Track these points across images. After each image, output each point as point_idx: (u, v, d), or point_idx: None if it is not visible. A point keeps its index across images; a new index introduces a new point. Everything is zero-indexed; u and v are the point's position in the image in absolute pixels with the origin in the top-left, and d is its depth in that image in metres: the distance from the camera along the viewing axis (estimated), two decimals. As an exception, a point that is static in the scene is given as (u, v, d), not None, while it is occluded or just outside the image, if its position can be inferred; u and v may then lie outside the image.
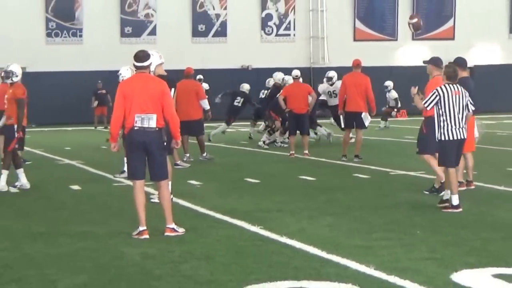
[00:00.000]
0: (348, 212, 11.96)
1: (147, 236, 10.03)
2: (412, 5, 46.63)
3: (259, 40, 44.67)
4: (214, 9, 43.89)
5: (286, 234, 10.05)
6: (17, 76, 15.33)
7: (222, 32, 44.00)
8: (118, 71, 16.09)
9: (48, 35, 41.83)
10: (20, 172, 15.43)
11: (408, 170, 17.06)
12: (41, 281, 7.97)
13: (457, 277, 7.80)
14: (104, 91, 35.86)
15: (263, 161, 20.09)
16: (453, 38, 46.56)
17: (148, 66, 10.40)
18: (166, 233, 10.17)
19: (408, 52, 46.30)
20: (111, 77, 21.71)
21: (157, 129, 10.14)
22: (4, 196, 14.61)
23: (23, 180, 15.43)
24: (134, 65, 10.47)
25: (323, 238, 9.91)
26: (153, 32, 42.93)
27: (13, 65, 15.39)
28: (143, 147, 10.15)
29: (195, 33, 43.66)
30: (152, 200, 12.59)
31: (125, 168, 15.43)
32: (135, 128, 10.11)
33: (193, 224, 10.81)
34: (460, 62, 13.91)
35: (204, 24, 43.76)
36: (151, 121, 10.10)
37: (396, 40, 46.48)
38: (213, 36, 43.84)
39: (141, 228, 10.13)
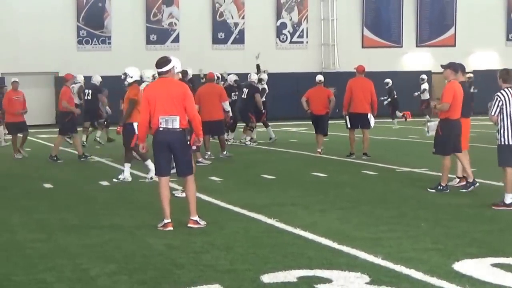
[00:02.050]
0: (357, 206, 11.93)
1: (171, 228, 10.06)
2: (416, 15, 46.50)
3: (274, 47, 44.61)
4: (232, 18, 43.89)
5: (299, 226, 10.04)
6: (131, 77, 15.35)
7: (240, 39, 43.98)
8: (97, 75, 15.81)
9: (79, 42, 41.91)
10: (127, 166, 15.66)
11: (413, 168, 17.01)
12: (73, 270, 7.99)
13: (459, 266, 7.78)
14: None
15: (278, 159, 20.07)
16: (454, 45, 46.39)
17: (168, 71, 10.34)
18: (189, 225, 10.21)
19: (412, 58, 46.19)
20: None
21: (180, 129, 10.16)
22: (39, 191, 14.66)
23: (126, 174, 15.67)
24: (157, 71, 10.49)
25: (334, 230, 9.89)
26: (176, 40, 42.95)
27: (128, 68, 15.29)
28: (168, 146, 10.17)
29: (215, 40, 43.66)
30: (176, 195, 12.60)
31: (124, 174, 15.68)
32: (160, 129, 10.15)
33: (213, 217, 10.82)
34: (455, 66, 13.90)
35: (224, 32, 43.76)
36: (175, 122, 10.12)
37: (401, 47, 46.35)
38: (232, 43, 43.82)
39: (166, 221, 10.17)
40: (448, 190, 13.23)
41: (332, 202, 12.42)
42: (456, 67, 13.79)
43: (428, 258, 8.17)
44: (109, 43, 42.17)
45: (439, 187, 13.41)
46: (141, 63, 37.21)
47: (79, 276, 7.71)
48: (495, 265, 7.81)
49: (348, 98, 19.86)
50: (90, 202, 13.01)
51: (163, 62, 10.35)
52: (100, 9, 42.01)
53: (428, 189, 13.47)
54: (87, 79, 27.36)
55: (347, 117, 19.92)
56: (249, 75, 25.81)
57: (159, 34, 42.81)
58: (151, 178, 15.38)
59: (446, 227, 10.00)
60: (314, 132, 21.44)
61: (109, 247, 9.11)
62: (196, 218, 10.29)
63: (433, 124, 14.60)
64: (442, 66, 13.94)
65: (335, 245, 8.93)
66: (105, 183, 15.44)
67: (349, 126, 19.93)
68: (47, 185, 15.26)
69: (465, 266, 7.76)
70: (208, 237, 9.53)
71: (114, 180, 15.60)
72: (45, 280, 7.56)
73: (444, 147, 13.32)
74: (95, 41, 42.04)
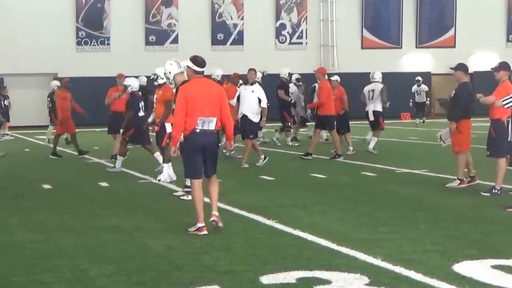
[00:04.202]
0: (357, 207, 11.93)
1: (206, 232, 9.77)
2: (415, 15, 46.56)
3: (274, 48, 44.67)
4: (232, 19, 43.92)
5: (298, 228, 10.04)
6: (162, 78, 15.28)
7: (239, 40, 44.02)
8: (143, 76, 15.67)
9: (78, 43, 41.95)
10: (166, 166, 15.66)
11: (413, 169, 17.02)
12: (72, 270, 7.98)
13: (459, 267, 7.78)
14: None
15: (277, 160, 20.06)
16: (454, 46, 46.47)
17: (203, 72, 10.17)
18: (213, 218, 9.96)
19: (412, 59, 46.24)
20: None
21: (215, 131, 10.01)
22: (38, 191, 14.66)
23: (166, 174, 15.69)
24: (192, 69, 10.11)
25: (333, 231, 9.89)
26: (175, 41, 42.98)
27: (158, 68, 15.13)
28: (202, 148, 9.95)
29: (214, 41, 43.69)
30: (174, 194, 12.60)
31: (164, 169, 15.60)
32: (197, 130, 9.88)
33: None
34: (464, 67, 14.01)
35: (223, 33, 43.79)
36: (211, 124, 9.91)
37: (401, 48, 46.40)
38: (231, 44, 43.86)
39: (200, 225, 9.86)
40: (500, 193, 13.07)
41: (331, 203, 12.42)
42: (466, 68, 13.88)
43: (428, 259, 8.16)
44: (108, 44, 42.20)
45: (493, 191, 13.05)
46: (140, 64, 37.52)
47: (78, 277, 7.70)
48: (495, 266, 7.80)
49: (325, 99, 19.93)
50: (89, 203, 13.01)
51: (203, 61, 10.12)
52: (99, 10, 42.05)
53: (482, 193, 13.13)
54: (83, 79, 27.37)
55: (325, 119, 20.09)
56: (280, 70, 25.98)
57: (158, 35, 42.85)
58: (159, 180, 15.43)
59: (446, 229, 10.00)
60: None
61: (108, 248, 9.11)
62: (217, 213, 10.09)
63: (445, 133, 14.61)
64: (451, 68, 14.00)
65: (334, 246, 8.93)
66: (104, 184, 15.44)
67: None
68: (46, 186, 15.26)
69: (465, 268, 7.75)
70: (207, 238, 9.52)
71: (154, 181, 15.65)
72: (44, 281, 7.55)
73: (500, 148, 13.00)
74: (94, 42, 42.08)
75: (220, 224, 10.00)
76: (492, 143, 13.18)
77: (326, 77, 20.63)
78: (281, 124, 25.39)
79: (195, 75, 10.12)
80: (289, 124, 24.85)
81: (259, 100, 18.58)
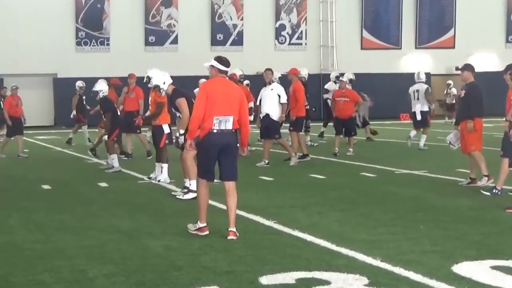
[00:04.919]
0: (356, 208, 11.93)
1: (207, 232, 9.71)
2: (415, 16, 46.55)
3: (273, 48, 44.65)
4: (231, 19, 43.90)
5: (298, 228, 10.04)
6: (155, 80, 15.24)
7: (239, 41, 44.00)
8: (143, 77, 15.42)
9: (78, 43, 41.92)
10: (158, 166, 15.67)
11: (412, 170, 17.02)
12: (71, 271, 7.97)
13: (458, 268, 7.77)
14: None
15: (276, 160, 20.05)
16: (453, 47, 46.46)
17: (227, 71, 10.05)
18: (230, 237, 9.52)
19: (411, 60, 46.22)
20: (137, 82, 21.75)
21: (233, 130, 9.76)
22: (38, 192, 14.66)
23: (157, 172, 15.70)
24: (216, 68, 9.91)
25: (333, 232, 9.88)
26: (174, 41, 42.96)
27: (150, 70, 15.11)
28: (219, 149, 9.69)
29: (214, 42, 43.66)
30: (173, 193, 12.59)
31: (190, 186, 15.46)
32: (214, 130, 9.63)
33: (212, 219, 10.77)
34: (471, 68, 14.06)
35: (222, 34, 43.77)
36: (228, 123, 9.65)
37: (400, 48, 46.39)
38: (230, 44, 43.82)
39: (201, 225, 9.79)
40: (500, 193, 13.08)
41: (330, 204, 12.41)
42: (473, 68, 13.93)
43: (427, 260, 8.16)
44: (108, 44, 42.18)
45: (494, 191, 13.06)
46: (139, 64, 37.52)
47: (77, 277, 7.69)
48: (495, 267, 7.80)
49: (296, 101, 19.83)
50: (88, 203, 13.00)
51: (228, 61, 9.99)
52: (99, 10, 42.03)
53: (482, 191, 13.20)
54: (83, 80, 27.44)
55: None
56: (300, 71, 25.95)
57: (157, 35, 42.83)
58: (159, 181, 15.43)
59: (445, 229, 9.99)
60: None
61: (107, 248, 9.10)
62: (234, 229, 9.65)
63: (453, 136, 14.62)
64: (457, 68, 14.04)
65: (333, 247, 8.92)
66: (103, 184, 15.44)
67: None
68: (45, 187, 15.25)
69: (464, 268, 7.75)
70: (206, 239, 9.52)
71: (154, 181, 15.64)
72: (44, 281, 7.55)
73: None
74: (93, 43, 42.05)
75: (237, 235, 9.68)
76: (508, 144, 13.00)
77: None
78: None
79: (219, 74, 9.96)
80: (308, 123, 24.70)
81: (279, 97, 18.73)
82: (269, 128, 18.82)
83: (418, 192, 13.62)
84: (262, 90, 19.30)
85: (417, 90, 22.66)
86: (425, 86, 22.80)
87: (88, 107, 26.51)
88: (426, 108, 22.52)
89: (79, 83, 26.87)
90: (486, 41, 46.15)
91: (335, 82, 26.22)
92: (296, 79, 20.07)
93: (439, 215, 11.12)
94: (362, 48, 45.97)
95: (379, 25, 46.16)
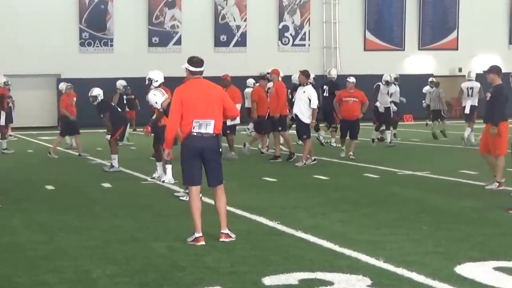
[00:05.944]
0: (359, 209, 11.92)
1: (203, 243, 9.25)
2: (418, 18, 46.56)
3: (276, 49, 44.67)
4: (235, 20, 43.93)
5: (301, 229, 10.03)
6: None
7: (242, 42, 44.04)
8: (145, 78, 15.48)
9: (82, 44, 41.98)
10: (160, 166, 15.71)
11: (415, 171, 17.00)
12: (75, 271, 7.98)
13: (461, 269, 7.76)
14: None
15: (280, 162, 20.04)
16: (456, 49, 46.47)
17: (203, 72, 9.73)
18: (222, 239, 9.41)
19: (415, 61, 46.23)
20: (140, 83, 21.75)
21: (214, 135, 9.38)
22: (41, 192, 14.66)
23: (159, 172, 15.76)
24: (189, 70, 9.64)
25: (336, 233, 9.88)
26: (178, 42, 43.00)
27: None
28: (200, 153, 9.35)
29: (217, 43, 43.71)
30: (181, 198, 12.60)
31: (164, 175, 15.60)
32: (193, 134, 9.32)
33: (215, 220, 10.78)
34: (497, 70, 13.96)
35: (226, 35, 43.81)
36: (209, 127, 9.31)
37: (403, 50, 46.39)
38: (234, 45, 43.88)
39: (197, 235, 9.35)
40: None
41: (333, 204, 12.41)
42: (499, 70, 13.89)
43: (430, 261, 8.15)
44: (111, 45, 42.23)
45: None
46: (143, 65, 37.54)
47: (81, 278, 7.70)
48: (497, 268, 7.79)
49: (280, 101, 20.30)
50: (92, 204, 13.01)
51: (201, 61, 9.67)
52: (103, 11, 42.08)
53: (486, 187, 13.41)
54: (87, 81, 27.46)
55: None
56: (328, 70, 26.19)
57: (161, 36, 42.87)
58: (163, 181, 15.44)
59: (448, 230, 9.98)
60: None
61: (111, 249, 9.10)
62: (227, 231, 9.53)
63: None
64: (484, 71, 14.10)
65: (336, 247, 8.92)
66: (107, 185, 15.45)
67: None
68: (49, 187, 15.27)
69: (467, 270, 7.74)
70: (209, 240, 9.51)
71: (159, 182, 15.67)
72: (47, 282, 7.56)
73: None
74: (97, 44, 42.11)
75: (233, 236, 9.56)
76: None
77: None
78: (325, 123, 25.60)
79: (192, 76, 9.67)
80: (336, 125, 24.66)
81: (310, 101, 18.95)
82: (298, 129, 19.33)
83: (421, 193, 13.61)
84: (298, 89, 19.64)
85: (471, 88, 24.43)
86: (479, 84, 24.29)
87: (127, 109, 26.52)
88: (476, 103, 24.12)
89: (122, 82, 26.67)
90: (489, 42, 46.13)
91: (394, 84, 27.04)
92: (278, 79, 20.37)
93: (442, 216, 11.12)
94: (365, 49, 45.99)
95: (382, 26, 46.18)
